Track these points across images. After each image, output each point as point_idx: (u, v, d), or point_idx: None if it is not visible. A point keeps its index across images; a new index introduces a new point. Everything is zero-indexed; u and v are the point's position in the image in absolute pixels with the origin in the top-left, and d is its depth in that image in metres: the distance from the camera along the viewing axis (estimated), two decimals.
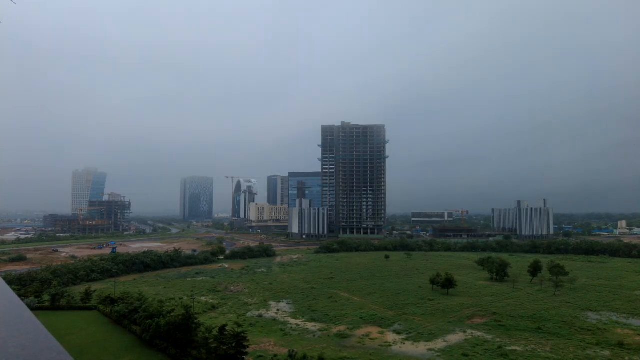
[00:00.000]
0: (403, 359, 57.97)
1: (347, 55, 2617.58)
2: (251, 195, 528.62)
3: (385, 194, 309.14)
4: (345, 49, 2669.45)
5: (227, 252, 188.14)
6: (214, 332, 55.87)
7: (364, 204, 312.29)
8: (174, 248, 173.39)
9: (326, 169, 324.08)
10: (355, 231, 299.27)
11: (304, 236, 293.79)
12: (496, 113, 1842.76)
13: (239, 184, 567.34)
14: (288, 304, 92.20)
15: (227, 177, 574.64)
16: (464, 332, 70.15)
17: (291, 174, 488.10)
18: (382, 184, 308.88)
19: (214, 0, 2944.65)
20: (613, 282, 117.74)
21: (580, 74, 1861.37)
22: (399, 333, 69.61)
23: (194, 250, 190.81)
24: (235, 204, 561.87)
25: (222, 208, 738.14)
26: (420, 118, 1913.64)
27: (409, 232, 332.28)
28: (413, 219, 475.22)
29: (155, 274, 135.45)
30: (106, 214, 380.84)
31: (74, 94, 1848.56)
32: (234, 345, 52.58)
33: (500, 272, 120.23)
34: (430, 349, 61.48)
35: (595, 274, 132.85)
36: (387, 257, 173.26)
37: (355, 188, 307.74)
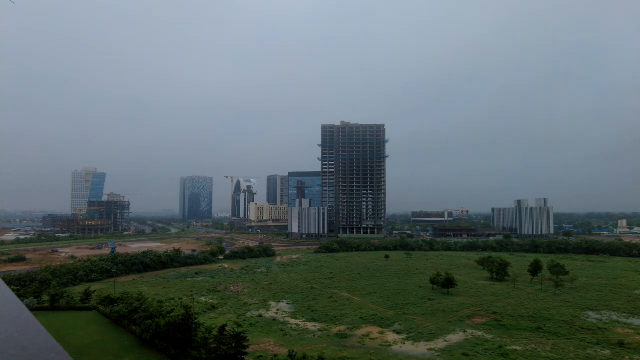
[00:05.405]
0: (403, 358, 57.88)
1: (346, 55, 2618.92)
2: (251, 195, 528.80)
3: (385, 193, 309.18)
4: (343, 48, 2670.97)
5: (227, 252, 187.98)
6: (214, 332, 55.75)
7: (364, 203, 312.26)
8: (174, 248, 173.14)
9: (326, 168, 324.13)
10: (355, 231, 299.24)
11: (303, 236, 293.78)
12: (497, 112, 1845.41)
13: (238, 184, 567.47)
14: (288, 304, 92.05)
15: (227, 177, 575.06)
16: (465, 331, 70.08)
17: (291, 174, 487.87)
18: (382, 183, 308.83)
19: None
20: (613, 281, 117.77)
21: (581, 75, 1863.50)
22: (399, 333, 69.52)
23: (194, 251, 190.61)
24: (235, 203, 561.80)
25: (221, 208, 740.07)
26: (420, 117, 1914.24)
27: (408, 232, 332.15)
28: (413, 219, 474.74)
29: (154, 274, 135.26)
30: (105, 214, 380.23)
31: (74, 94, 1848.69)
32: (233, 345, 52.46)
33: (500, 272, 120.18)
34: (430, 349, 61.40)
35: (596, 273, 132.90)
36: (387, 256, 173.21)
37: (355, 188, 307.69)
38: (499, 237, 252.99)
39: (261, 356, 57.53)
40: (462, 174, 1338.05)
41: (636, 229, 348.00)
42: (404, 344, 64.06)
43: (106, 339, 62.58)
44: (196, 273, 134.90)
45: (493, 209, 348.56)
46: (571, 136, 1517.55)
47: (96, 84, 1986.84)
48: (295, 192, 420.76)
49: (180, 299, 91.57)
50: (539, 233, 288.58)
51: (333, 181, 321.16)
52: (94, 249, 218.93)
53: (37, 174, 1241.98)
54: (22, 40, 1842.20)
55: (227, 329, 54.62)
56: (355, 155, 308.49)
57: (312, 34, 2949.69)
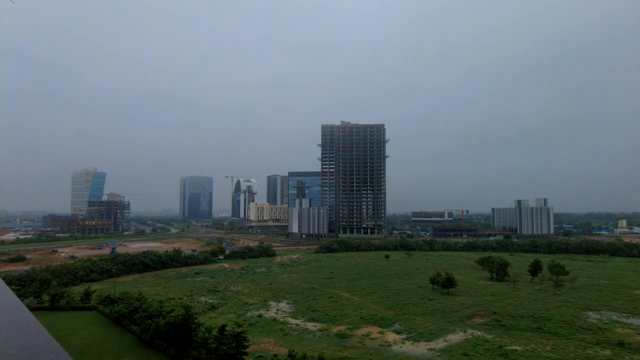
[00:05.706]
0: (403, 358, 57.86)
1: (346, 56, 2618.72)
2: (251, 194, 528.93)
3: (385, 193, 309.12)
4: (343, 50, 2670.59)
5: (227, 252, 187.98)
6: (214, 332, 55.72)
7: (364, 203, 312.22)
8: (174, 248, 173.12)
9: (326, 168, 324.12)
10: (355, 231, 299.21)
11: (303, 236, 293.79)
12: (497, 112, 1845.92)
13: (238, 184, 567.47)
14: (288, 304, 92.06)
15: (227, 177, 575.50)
16: (464, 331, 70.08)
17: (291, 174, 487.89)
18: (382, 183, 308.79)
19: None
20: (613, 281, 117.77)
21: (582, 75, 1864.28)
22: (399, 333, 69.52)
23: (194, 250, 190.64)
24: (235, 203, 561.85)
25: (221, 208, 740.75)
26: (420, 117, 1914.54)
27: (408, 232, 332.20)
28: (413, 219, 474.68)
29: (154, 274, 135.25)
30: (105, 214, 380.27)
31: (73, 93, 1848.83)
32: (233, 345, 52.43)
33: (500, 272, 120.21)
34: (430, 349, 61.39)
35: (596, 273, 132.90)
36: (387, 256, 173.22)
37: (355, 188, 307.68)
38: (499, 237, 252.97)
39: (261, 356, 57.52)
40: (462, 174, 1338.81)
41: (636, 229, 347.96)
42: (404, 344, 64.05)
43: (106, 338, 62.56)
44: (196, 273, 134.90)
45: (493, 209, 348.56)
46: (571, 136, 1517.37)
47: (96, 83, 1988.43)
48: (295, 192, 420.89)
49: (180, 299, 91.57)
50: (539, 233, 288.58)
51: (333, 181, 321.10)
52: (94, 248, 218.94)
53: (37, 174, 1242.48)
54: (23, 40, 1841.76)
55: (227, 329, 54.59)
56: (355, 155, 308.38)
57: (311, 35, 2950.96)
